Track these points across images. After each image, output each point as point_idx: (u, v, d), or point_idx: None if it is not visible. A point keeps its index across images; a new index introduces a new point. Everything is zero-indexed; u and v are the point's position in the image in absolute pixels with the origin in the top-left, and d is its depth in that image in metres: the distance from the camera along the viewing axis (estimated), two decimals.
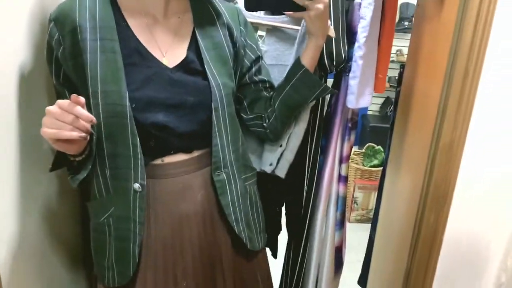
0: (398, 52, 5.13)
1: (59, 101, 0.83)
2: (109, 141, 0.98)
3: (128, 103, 0.94)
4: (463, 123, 1.03)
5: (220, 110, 1.03)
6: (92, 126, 0.93)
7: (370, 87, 1.42)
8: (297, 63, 1.13)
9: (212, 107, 1.02)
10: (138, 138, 0.96)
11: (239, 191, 1.10)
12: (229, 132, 1.07)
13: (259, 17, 1.37)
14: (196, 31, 1.04)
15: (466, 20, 1.00)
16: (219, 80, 1.03)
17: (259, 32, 1.38)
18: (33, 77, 1.08)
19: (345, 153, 1.53)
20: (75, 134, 0.84)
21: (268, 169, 1.34)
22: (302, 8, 1.04)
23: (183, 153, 1.05)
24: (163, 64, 1.00)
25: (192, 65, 1.03)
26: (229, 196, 1.08)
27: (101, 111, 0.95)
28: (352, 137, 1.54)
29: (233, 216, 1.08)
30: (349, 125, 1.51)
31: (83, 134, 0.85)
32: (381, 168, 3.55)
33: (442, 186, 1.08)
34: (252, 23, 1.40)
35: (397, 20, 4.95)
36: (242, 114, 1.21)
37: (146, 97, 0.97)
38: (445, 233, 1.11)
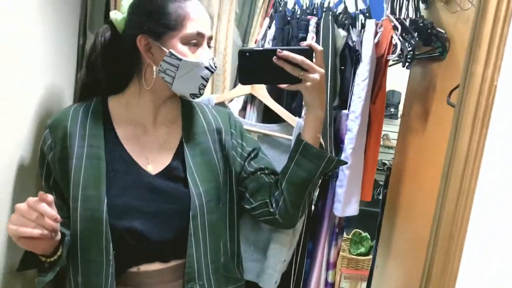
0: (384, 137, 5.27)
1: (28, 199, 0.83)
2: (83, 247, 0.97)
3: (105, 209, 0.95)
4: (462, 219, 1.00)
5: (199, 218, 1.01)
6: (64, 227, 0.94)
7: (357, 196, 1.43)
8: (298, 139, 1.08)
9: (190, 215, 1.01)
10: (111, 244, 0.95)
11: None
12: (208, 241, 1.03)
13: (250, 124, 1.41)
14: (183, 139, 1.07)
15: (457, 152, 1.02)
16: (200, 187, 1.02)
17: None
18: (26, 179, 1.11)
19: (332, 259, 1.51)
20: (36, 232, 0.82)
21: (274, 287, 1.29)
22: (297, 80, 0.97)
23: (159, 262, 1.02)
24: (146, 171, 1.02)
25: (175, 172, 1.03)
26: None
27: (78, 216, 0.96)
28: (340, 242, 1.53)
29: None
30: (336, 230, 1.50)
31: (45, 232, 0.83)
32: (368, 256, 3.49)
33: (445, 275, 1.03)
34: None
35: None
36: (246, 206, 1.15)
37: (124, 204, 0.97)
38: None
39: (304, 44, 0.97)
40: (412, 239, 1.43)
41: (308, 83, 0.98)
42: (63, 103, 1.41)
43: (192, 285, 1.02)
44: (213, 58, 1.01)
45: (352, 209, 1.42)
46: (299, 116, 1.38)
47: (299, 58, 0.95)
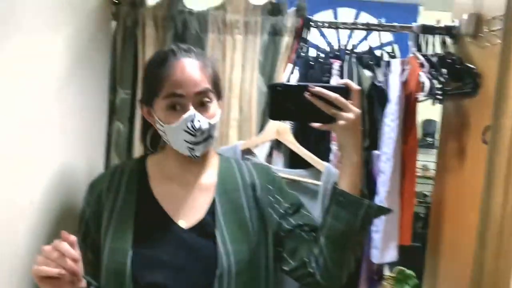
0: (423, 167, 5.10)
1: (55, 241, 0.85)
2: None
3: (129, 261, 0.95)
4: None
5: (226, 278, 0.97)
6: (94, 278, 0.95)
7: (395, 241, 1.37)
8: (333, 188, 0.98)
9: (216, 274, 0.97)
10: None
11: None
12: None
13: (277, 169, 1.38)
14: (215, 196, 1.05)
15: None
16: (230, 246, 0.99)
17: None
18: None
19: None
20: (54, 271, 0.83)
21: None
22: (331, 119, 0.91)
23: None
24: (177, 225, 1.01)
25: (207, 228, 1.01)
26: None
27: (104, 269, 0.97)
28: None
29: None
30: (376, 278, 1.43)
31: (63, 272, 0.83)
32: None
33: None
34: None
35: (420, 136, 5.01)
36: (285, 268, 1.07)
37: (150, 257, 0.97)
38: None
39: (341, 82, 0.93)
40: (458, 281, 1.33)
41: (342, 123, 0.91)
42: (95, 154, 1.45)
43: None
44: (193, 120, 0.97)
45: (391, 255, 1.36)
46: (327, 160, 1.35)
47: (333, 95, 0.89)
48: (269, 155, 1.44)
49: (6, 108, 0.94)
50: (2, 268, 0.97)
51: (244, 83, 1.53)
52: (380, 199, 1.33)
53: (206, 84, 1.00)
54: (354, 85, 0.92)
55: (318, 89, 0.89)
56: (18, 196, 1.02)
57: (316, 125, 0.94)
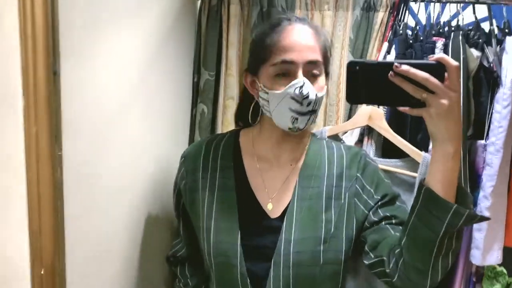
0: None
1: None
2: (218, 279, 1.00)
3: (239, 242, 0.96)
4: None
5: (282, 267, 0.94)
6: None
7: (500, 242, 1.23)
8: (419, 185, 0.86)
9: (272, 261, 0.95)
10: (248, 279, 0.95)
11: None
12: None
13: None
14: (297, 181, 1.01)
15: None
16: (293, 234, 0.96)
17: None
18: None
19: None
20: None
21: None
22: (421, 103, 0.76)
23: None
24: (265, 213, 1.00)
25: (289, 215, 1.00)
26: None
27: (211, 248, 0.98)
28: None
29: None
30: (474, 279, 1.30)
31: None
32: None
33: None
34: None
35: None
36: (365, 261, 1.00)
37: (251, 248, 0.97)
38: None
39: (433, 58, 0.76)
40: None
41: (433, 109, 0.76)
42: (180, 137, 1.46)
43: None
44: (301, 86, 0.90)
45: (495, 258, 1.23)
46: (426, 150, 1.23)
47: (423, 75, 0.74)
48: (359, 142, 1.34)
49: (95, 94, 0.95)
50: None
51: (332, 63, 1.44)
52: (485, 194, 1.19)
53: (318, 54, 0.94)
54: (450, 61, 0.75)
55: (404, 67, 0.74)
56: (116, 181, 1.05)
57: (402, 109, 0.80)
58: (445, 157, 0.80)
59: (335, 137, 1.33)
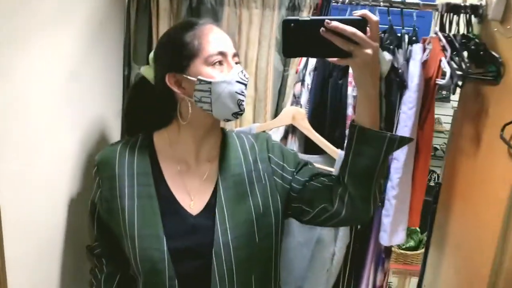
0: (436, 121, 5.07)
1: None
2: (145, 283, 1.01)
3: (165, 248, 0.98)
4: None
5: (224, 255, 1.00)
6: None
7: (404, 224, 1.40)
8: (350, 127, 0.96)
9: (212, 253, 1.00)
10: (176, 281, 0.99)
11: None
12: (236, 278, 1.01)
13: None
14: (218, 174, 1.06)
15: None
16: (228, 223, 1.02)
17: None
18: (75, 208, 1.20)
19: (378, 283, 1.50)
20: None
21: None
22: (347, 54, 0.86)
23: None
24: (188, 212, 1.03)
25: (211, 210, 1.04)
26: None
27: (138, 255, 0.99)
28: (386, 265, 1.52)
29: None
30: (383, 255, 1.49)
31: None
32: (418, 251, 3.43)
33: None
34: None
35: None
36: (305, 218, 1.09)
37: (169, 247, 1.00)
38: None
39: (357, 13, 0.86)
40: (473, 233, 1.34)
41: (359, 59, 0.86)
42: (111, 132, 1.46)
43: None
44: (242, 71, 0.99)
45: (399, 238, 1.40)
46: (342, 147, 1.36)
47: (350, 30, 0.83)
48: (284, 138, 1.44)
49: (24, 91, 0.94)
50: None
51: (260, 60, 1.51)
52: (392, 185, 1.35)
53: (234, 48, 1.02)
54: (372, 16, 0.86)
55: (334, 24, 0.83)
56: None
57: (332, 60, 0.90)
58: (369, 98, 0.92)
59: None
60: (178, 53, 0.99)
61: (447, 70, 1.26)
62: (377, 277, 1.50)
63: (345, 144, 0.99)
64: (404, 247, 3.38)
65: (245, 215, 1.03)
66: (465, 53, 1.34)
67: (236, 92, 0.97)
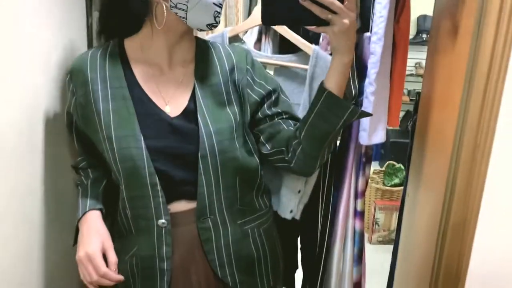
0: (417, 65, 5.05)
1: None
2: (127, 184, 1.03)
3: (144, 146, 0.99)
4: (484, 146, 0.96)
5: (210, 158, 1.02)
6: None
7: (384, 123, 1.38)
8: (320, 87, 1.02)
9: (198, 155, 1.02)
10: (157, 177, 1.00)
11: (229, 237, 1.09)
12: (221, 179, 1.05)
13: (266, 56, 1.36)
14: (195, 81, 1.06)
15: (480, 54, 0.95)
16: (211, 126, 1.03)
17: (267, 71, 1.36)
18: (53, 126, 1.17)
19: (360, 188, 1.49)
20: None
21: (289, 216, 1.31)
22: (325, 23, 0.92)
23: (186, 201, 1.06)
24: (165, 113, 1.04)
25: (191, 114, 1.05)
26: (213, 243, 1.07)
27: (117, 156, 1.00)
28: (367, 171, 1.50)
29: (217, 261, 1.07)
30: (363, 159, 1.47)
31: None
32: (402, 187, 3.48)
33: (464, 210, 1.02)
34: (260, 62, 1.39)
35: (414, 33, 4.88)
36: (262, 150, 1.16)
37: (147, 146, 1.01)
38: (470, 265, 1.05)
39: None
40: (443, 166, 1.38)
41: (337, 27, 0.92)
42: (79, 47, 1.39)
43: (204, 220, 1.05)
44: None
45: (379, 137, 1.38)
46: (317, 43, 1.32)
47: (328, 0, 0.89)
48: (258, 41, 1.40)
49: None
50: None
51: None
52: (370, 81, 1.32)
53: None
54: None
55: None
56: None
57: (310, 28, 0.94)
58: (343, 65, 0.99)
59: (236, 38, 1.37)
60: None
61: None
62: (359, 182, 1.49)
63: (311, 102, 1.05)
64: (389, 184, 3.42)
65: (225, 122, 1.05)
66: None
67: (214, 4, 0.95)
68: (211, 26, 0.99)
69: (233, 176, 1.07)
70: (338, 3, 0.89)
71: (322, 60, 1.29)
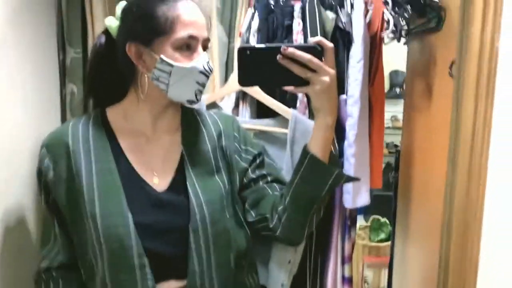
0: (393, 118, 5.16)
1: None
2: (111, 266, 0.93)
3: (131, 223, 0.92)
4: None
5: (201, 231, 0.96)
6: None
7: (367, 184, 1.36)
8: (304, 151, 0.97)
9: (189, 228, 0.95)
10: (146, 258, 0.92)
11: None
12: (213, 256, 0.97)
13: (245, 121, 1.34)
14: (183, 149, 1.02)
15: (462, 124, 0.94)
16: (202, 197, 0.97)
17: None
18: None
19: (347, 253, 1.44)
20: None
21: None
22: (304, 82, 0.86)
23: (175, 280, 0.97)
24: (152, 187, 0.98)
25: (179, 185, 0.99)
26: None
27: (101, 235, 0.92)
28: (353, 234, 1.46)
29: None
30: (348, 223, 1.43)
31: None
32: (389, 242, 3.42)
33: (463, 261, 0.95)
34: None
35: (388, 87, 5.04)
36: (248, 219, 1.08)
37: (140, 222, 0.94)
38: None
39: (313, 41, 0.86)
40: (429, 223, 1.36)
41: (317, 86, 0.86)
42: (51, 120, 1.37)
43: None
44: (208, 62, 0.94)
45: (363, 199, 1.35)
46: (294, 107, 1.31)
47: (307, 57, 0.84)
48: (236, 107, 1.39)
49: None
50: None
51: None
52: (349, 143, 1.31)
53: (208, 32, 0.97)
54: (327, 43, 0.86)
55: (291, 50, 0.84)
56: None
57: (289, 89, 0.90)
58: (327, 127, 0.93)
59: (214, 105, 1.36)
60: (146, 24, 0.93)
61: (390, 19, 1.26)
62: (345, 247, 1.44)
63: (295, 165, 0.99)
64: (376, 240, 3.36)
65: (215, 191, 1.00)
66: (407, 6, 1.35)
67: (197, 82, 0.94)
68: (191, 102, 0.96)
69: (225, 252, 1.00)
70: (317, 61, 0.84)
71: (301, 124, 1.28)
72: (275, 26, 1.32)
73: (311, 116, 1.33)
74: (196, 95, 0.95)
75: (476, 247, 0.83)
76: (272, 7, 1.34)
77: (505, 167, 0.77)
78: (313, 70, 0.85)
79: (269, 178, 1.08)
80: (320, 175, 0.95)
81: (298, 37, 1.27)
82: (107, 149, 0.97)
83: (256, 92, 1.32)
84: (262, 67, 0.86)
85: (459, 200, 0.90)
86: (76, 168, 0.95)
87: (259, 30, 1.33)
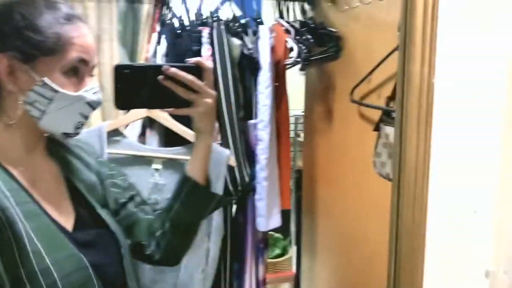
0: None
1: None
2: None
3: (87, 264, 0.80)
4: None
5: (128, 256, 0.91)
6: None
7: (278, 206, 1.39)
8: (184, 176, 0.93)
9: (122, 256, 0.88)
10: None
11: None
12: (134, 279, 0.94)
13: (152, 149, 1.28)
14: (70, 179, 0.90)
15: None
16: (112, 226, 0.90)
17: (155, 166, 1.28)
18: None
19: (261, 276, 1.45)
20: None
21: None
22: (187, 104, 0.82)
23: None
24: (64, 228, 0.84)
25: (86, 219, 0.88)
26: None
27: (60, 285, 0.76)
28: (266, 257, 1.48)
29: None
30: (261, 245, 1.44)
31: None
32: (285, 256, 3.54)
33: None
34: (145, 156, 1.30)
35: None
36: None
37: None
38: None
39: (191, 61, 0.83)
40: (339, 239, 1.43)
41: (201, 108, 0.84)
42: None
43: None
44: (96, 92, 0.83)
45: (275, 221, 1.38)
46: None
47: (189, 77, 0.81)
48: (142, 135, 1.32)
49: None
50: None
51: (103, 56, 1.37)
52: (261, 166, 1.33)
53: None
54: (205, 64, 0.84)
55: (173, 70, 0.80)
56: None
57: (170, 111, 0.87)
58: (207, 147, 0.91)
59: (116, 132, 1.27)
60: (29, 38, 0.77)
61: (294, 46, 1.32)
62: (259, 270, 1.45)
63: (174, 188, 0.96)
64: (272, 256, 3.44)
65: (113, 218, 0.93)
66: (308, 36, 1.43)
67: (80, 114, 0.81)
68: (67, 136, 0.84)
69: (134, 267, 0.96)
70: (199, 82, 0.81)
71: (214, 151, 1.26)
72: (183, 51, 1.29)
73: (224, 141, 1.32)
74: (76, 128, 0.83)
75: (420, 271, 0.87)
76: (180, 32, 1.31)
77: (444, 190, 0.83)
78: (195, 91, 0.83)
79: (137, 199, 1.02)
80: (202, 201, 0.94)
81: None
82: (19, 189, 0.80)
83: (165, 119, 1.26)
84: (141, 88, 0.80)
85: (405, 233, 0.94)
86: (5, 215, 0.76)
87: (166, 55, 1.29)
